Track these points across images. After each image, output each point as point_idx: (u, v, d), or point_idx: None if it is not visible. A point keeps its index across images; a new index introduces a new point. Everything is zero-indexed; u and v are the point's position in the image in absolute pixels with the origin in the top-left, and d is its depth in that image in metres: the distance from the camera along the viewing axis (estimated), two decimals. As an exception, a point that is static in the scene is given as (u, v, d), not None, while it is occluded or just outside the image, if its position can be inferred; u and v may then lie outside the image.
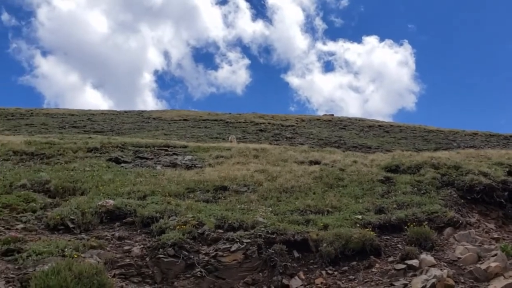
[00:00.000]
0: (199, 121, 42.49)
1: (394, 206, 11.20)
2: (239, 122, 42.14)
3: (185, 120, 43.04)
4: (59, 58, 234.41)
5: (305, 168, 15.24)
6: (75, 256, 7.41)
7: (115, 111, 51.57)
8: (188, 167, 16.11)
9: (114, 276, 7.61)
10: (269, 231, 9.34)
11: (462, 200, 12.13)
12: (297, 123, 43.66)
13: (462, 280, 8.15)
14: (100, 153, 17.38)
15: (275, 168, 15.13)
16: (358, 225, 9.94)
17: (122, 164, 15.99)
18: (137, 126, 37.44)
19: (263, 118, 45.47)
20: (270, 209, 10.98)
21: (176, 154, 18.29)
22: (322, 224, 9.90)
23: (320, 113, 57.14)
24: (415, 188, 12.63)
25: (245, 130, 37.63)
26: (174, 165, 16.38)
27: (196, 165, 16.42)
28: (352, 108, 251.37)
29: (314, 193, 12.39)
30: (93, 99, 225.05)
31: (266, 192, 12.31)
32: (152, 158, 17.38)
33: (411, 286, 7.68)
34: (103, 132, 32.48)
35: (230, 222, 9.70)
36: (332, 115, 55.13)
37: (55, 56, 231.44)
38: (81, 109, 51.55)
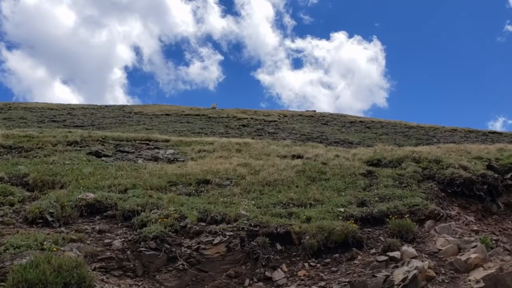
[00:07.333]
0: (181, 116, 42.10)
1: (376, 199, 11.29)
2: (222, 117, 41.88)
3: (167, 115, 42.57)
4: (25, 52, 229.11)
5: (287, 162, 15.24)
6: (54, 249, 7.27)
7: (96, 105, 50.77)
8: (170, 161, 15.97)
9: (94, 269, 7.51)
10: (252, 224, 9.32)
11: (443, 193, 12.30)
12: (279, 119, 43.60)
13: (443, 271, 8.25)
14: (80, 147, 17.11)
15: (257, 162, 15.08)
16: (340, 217, 9.98)
17: (103, 158, 15.77)
18: (118, 121, 36.91)
19: (245, 113, 45.31)
20: (253, 202, 10.95)
21: (158, 148, 18.12)
22: (304, 217, 9.92)
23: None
24: (397, 182, 12.75)
25: (227, 125, 37.41)
26: (156, 159, 16.22)
27: (178, 159, 16.29)
28: (323, 104, 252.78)
29: (296, 187, 12.40)
30: (63, 95, 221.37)
31: (249, 185, 12.27)
32: (133, 152, 17.18)
33: (393, 278, 7.73)
34: (84, 126, 31.90)
35: (212, 215, 9.64)
36: (314, 111, 55.19)
37: (21, 51, 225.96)
38: (61, 103, 50.60)
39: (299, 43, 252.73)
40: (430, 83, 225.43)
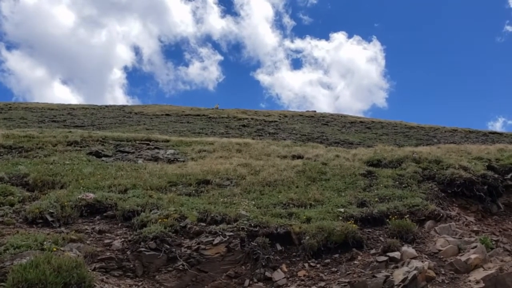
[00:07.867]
0: (181, 116, 42.09)
1: (376, 199, 11.28)
2: (222, 118, 41.87)
3: (167, 115, 42.57)
4: (25, 52, 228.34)
5: (288, 162, 15.24)
6: (54, 249, 7.27)
7: (96, 105, 50.75)
8: (170, 161, 15.97)
9: (94, 269, 7.51)
10: (252, 224, 9.32)
11: (443, 194, 12.28)
12: (280, 119, 43.58)
13: (443, 272, 8.25)
14: (80, 147, 17.12)
15: (258, 162, 15.08)
16: (340, 218, 9.97)
17: (103, 158, 15.78)
18: (119, 121, 36.90)
19: (246, 114, 45.31)
20: (253, 202, 10.95)
21: (158, 148, 18.12)
22: (304, 217, 9.91)
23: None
24: (397, 182, 12.74)
25: (228, 125, 37.40)
26: (156, 159, 16.22)
27: (179, 159, 16.29)
28: (323, 105, 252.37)
29: (297, 187, 12.40)
30: (62, 95, 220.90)
31: (249, 185, 12.27)
32: (133, 152, 17.18)
33: (392, 278, 7.72)
34: (84, 126, 31.90)
35: (212, 215, 9.64)
36: (315, 111, 55.19)
37: (20, 51, 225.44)
38: (61, 104, 50.62)
39: (299, 43, 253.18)
40: (430, 83, 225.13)
